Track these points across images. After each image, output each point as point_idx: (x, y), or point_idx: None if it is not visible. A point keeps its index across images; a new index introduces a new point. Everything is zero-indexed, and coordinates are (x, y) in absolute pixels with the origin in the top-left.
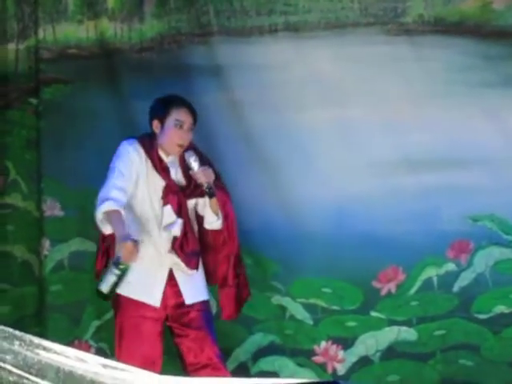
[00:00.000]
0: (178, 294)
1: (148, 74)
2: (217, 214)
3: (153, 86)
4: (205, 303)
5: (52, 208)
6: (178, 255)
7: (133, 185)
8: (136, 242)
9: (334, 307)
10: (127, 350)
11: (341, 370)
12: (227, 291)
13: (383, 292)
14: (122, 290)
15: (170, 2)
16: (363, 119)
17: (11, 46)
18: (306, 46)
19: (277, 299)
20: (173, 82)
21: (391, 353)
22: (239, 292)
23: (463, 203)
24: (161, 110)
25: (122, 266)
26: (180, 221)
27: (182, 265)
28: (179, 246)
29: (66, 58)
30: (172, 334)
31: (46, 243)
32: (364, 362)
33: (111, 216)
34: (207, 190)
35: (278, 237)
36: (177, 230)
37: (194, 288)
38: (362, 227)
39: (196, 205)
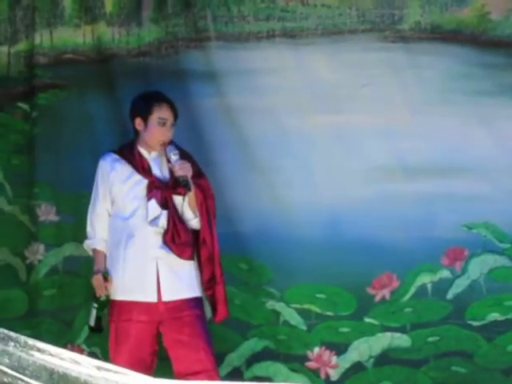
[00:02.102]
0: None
1: (145, 79)
2: (194, 212)
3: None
4: (194, 301)
5: (47, 213)
6: (171, 248)
7: (109, 198)
8: (105, 274)
9: (328, 313)
10: (121, 354)
11: (334, 375)
12: (217, 288)
13: (377, 298)
14: (113, 296)
15: (168, 7)
16: (359, 125)
17: (3, 50)
18: (303, 52)
19: (271, 304)
20: (170, 87)
21: (384, 359)
22: (226, 290)
23: (458, 210)
24: (143, 108)
25: (100, 299)
26: (165, 212)
27: (170, 258)
28: (171, 239)
29: (63, 63)
30: (163, 339)
31: (41, 248)
32: (357, 368)
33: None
34: (183, 184)
35: (273, 242)
36: (163, 221)
37: (178, 284)
38: (356, 233)
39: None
